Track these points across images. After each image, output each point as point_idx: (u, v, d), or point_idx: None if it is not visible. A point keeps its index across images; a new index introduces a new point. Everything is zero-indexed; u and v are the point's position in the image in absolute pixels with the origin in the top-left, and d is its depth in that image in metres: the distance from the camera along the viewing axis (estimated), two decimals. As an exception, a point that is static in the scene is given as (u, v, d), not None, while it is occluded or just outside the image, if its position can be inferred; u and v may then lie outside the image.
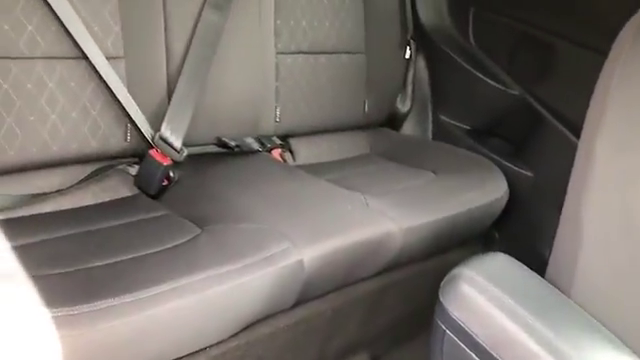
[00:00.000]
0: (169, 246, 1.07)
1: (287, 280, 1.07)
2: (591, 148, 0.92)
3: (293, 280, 1.08)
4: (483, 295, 0.91)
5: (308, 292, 1.14)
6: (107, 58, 1.25)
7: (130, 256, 1.03)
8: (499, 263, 1.00)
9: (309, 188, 1.38)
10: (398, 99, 1.89)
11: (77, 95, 1.24)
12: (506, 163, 1.69)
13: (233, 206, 1.22)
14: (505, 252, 1.68)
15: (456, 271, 0.95)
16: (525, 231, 1.65)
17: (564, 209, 0.98)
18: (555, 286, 0.97)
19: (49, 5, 1.16)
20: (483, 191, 1.54)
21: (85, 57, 1.22)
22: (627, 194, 0.88)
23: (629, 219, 0.88)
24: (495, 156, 1.71)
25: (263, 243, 1.07)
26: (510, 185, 1.60)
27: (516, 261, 1.00)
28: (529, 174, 1.66)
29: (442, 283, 0.97)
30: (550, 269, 1.01)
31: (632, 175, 0.87)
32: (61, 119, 1.22)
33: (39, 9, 1.16)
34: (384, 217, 1.29)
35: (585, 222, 0.93)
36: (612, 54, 0.92)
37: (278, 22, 1.58)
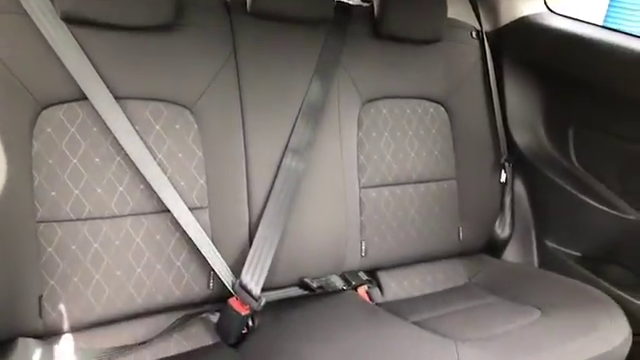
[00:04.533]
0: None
1: None
2: None
3: None
4: None
5: None
6: (191, 209, 1.30)
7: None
8: None
9: (393, 337, 1.28)
10: (497, 224, 1.77)
11: (162, 247, 1.28)
12: (627, 296, 1.49)
13: (308, 362, 1.16)
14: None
15: None
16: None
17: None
18: None
19: (137, 168, 1.24)
20: (600, 334, 1.34)
21: (169, 210, 1.28)
22: None
23: None
24: (612, 287, 1.52)
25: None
26: (633, 324, 1.39)
27: None
28: (656, 310, 1.44)
29: None
30: None
31: None
32: (146, 272, 1.26)
33: (129, 171, 1.25)
34: (477, 375, 1.16)
35: None
36: None
37: (361, 157, 1.57)
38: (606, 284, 1.53)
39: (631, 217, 1.52)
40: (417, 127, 1.65)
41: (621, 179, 1.57)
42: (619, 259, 1.58)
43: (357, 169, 1.56)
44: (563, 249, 1.69)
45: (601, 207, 1.57)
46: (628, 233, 1.53)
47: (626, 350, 1.35)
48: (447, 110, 1.71)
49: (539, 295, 1.51)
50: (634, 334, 1.38)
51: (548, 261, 1.72)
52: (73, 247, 1.19)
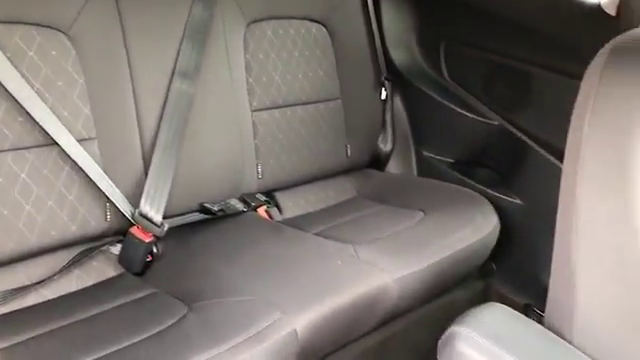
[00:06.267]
0: (156, 331, 1.04)
1: (281, 353, 1.04)
2: (573, 183, 0.90)
3: (287, 352, 1.05)
4: (481, 353, 0.88)
5: (305, 360, 1.11)
6: (79, 140, 1.23)
7: (118, 347, 1.00)
8: (495, 315, 0.97)
9: (297, 246, 1.36)
10: (380, 140, 1.89)
11: (51, 182, 1.22)
12: (494, 193, 1.68)
13: (219, 278, 1.20)
14: (504, 282, 1.68)
15: (452, 330, 0.92)
16: (521, 259, 1.63)
17: (555, 246, 0.96)
18: (554, 328, 0.95)
19: (13, 97, 1.14)
20: (474, 226, 1.52)
21: (56, 143, 1.21)
22: (615, 236, 0.86)
23: (621, 260, 0.86)
24: (483, 187, 1.70)
25: (253, 317, 1.04)
26: (501, 215, 1.59)
27: (512, 311, 0.97)
28: (519, 202, 1.65)
29: (439, 342, 0.94)
30: (548, 309, 0.99)
31: (617, 216, 0.85)
32: (36, 208, 1.19)
33: (4, 102, 1.15)
34: (376, 269, 1.27)
35: (577, 264, 0.91)
36: (584, 85, 0.90)
37: (250, 80, 1.58)
38: (477, 184, 1.71)
39: (495, 122, 1.70)
40: (302, 48, 1.68)
41: (486, 88, 1.73)
42: (487, 161, 1.77)
43: (247, 92, 1.56)
44: (439, 157, 1.85)
45: (470, 115, 1.73)
46: (493, 137, 1.72)
47: (495, 236, 1.56)
48: (328, 30, 1.75)
49: (421, 199, 1.66)
50: (502, 224, 1.58)
51: (426, 169, 1.87)
52: (-51, 187, 1.10)
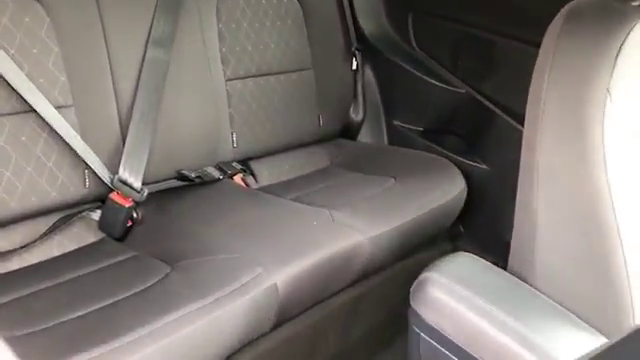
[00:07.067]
0: (140, 289, 1.08)
1: (262, 306, 1.09)
2: (533, 143, 0.97)
3: (268, 305, 1.10)
4: (452, 296, 0.94)
5: (285, 314, 1.16)
6: (56, 108, 1.25)
7: (102, 304, 1.03)
8: (463, 263, 1.04)
9: (274, 210, 1.40)
10: (351, 109, 1.93)
11: (30, 149, 1.23)
12: (461, 159, 1.75)
13: (200, 239, 1.24)
14: (471, 243, 1.76)
15: (424, 276, 0.99)
16: (487, 221, 1.71)
17: (517, 200, 1.03)
18: (517, 275, 1.02)
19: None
20: (442, 190, 1.59)
21: (33, 110, 1.22)
22: (572, 184, 0.93)
23: (576, 207, 0.94)
24: (450, 154, 1.77)
25: (234, 273, 1.09)
26: (468, 179, 1.66)
27: (479, 258, 1.04)
28: (484, 167, 1.72)
29: (412, 289, 1.01)
30: (511, 259, 1.06)
31: (574, 165, 0.93)
32: (16, 175, 1.21)
33: (-21, 69, 1.16)
34: (350, 229, 1.32)
35: (537, 212, 0.98)
36: (543, 48, 0.97)
37: (224, 50, 1.60)
38: (445, 151, 1.78)
39: (462, 90, 1.76)
40: (274, 19, 1.71)
41: (452, 57, 1.79)
42: (454, 129, 1.84)
43: (221, 61, 1.59)
44: (408, 126, 1.90)
45: (438, 84, 1.79)
46: (460, 105, 1.78)
47: (462, 199, 1.63)
48: (300, 1, 1.77)
49: (392, 167, 1.72)
50: (469, 188, 1.65)
51: (396, 138, 1.93)
52: None
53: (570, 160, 0.94)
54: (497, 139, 1.70)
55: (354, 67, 1.89)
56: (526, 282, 1.00)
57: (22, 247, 1.21)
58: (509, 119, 1.63)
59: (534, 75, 0.98)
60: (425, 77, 1.81)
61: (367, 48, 1.91)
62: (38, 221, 1.26)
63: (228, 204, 1.43)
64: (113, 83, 1.36)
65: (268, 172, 1.72)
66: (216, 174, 1.55)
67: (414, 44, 1.86)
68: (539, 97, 0.96)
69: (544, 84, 0.95)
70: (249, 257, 1.14)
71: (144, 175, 1.35)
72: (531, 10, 1.52)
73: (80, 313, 1.00)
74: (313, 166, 1.83)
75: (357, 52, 1.89)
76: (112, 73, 1.36)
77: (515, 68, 1.58)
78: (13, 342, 0.86)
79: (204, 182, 1.51)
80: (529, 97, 0.99)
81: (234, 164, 1.64)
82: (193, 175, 1.48)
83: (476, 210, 1.70)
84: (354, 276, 1.33)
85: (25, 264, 1.20)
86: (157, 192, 1.40)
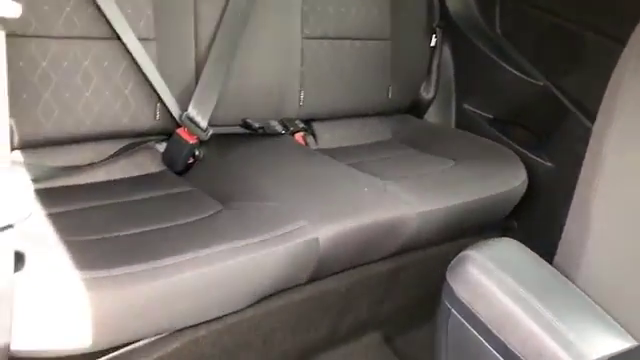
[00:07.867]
0: (192, 220, 1.13)
1: (302, 256, 1.12)
2: (602, 140, 0.94)
3: (308, 257, 1.13)
4: (489, 277, 0.94)
5: (322, 269, 1.19)
6: (139, 39, 1.31)
7: (155, 227, 1.09)
8: (508, 248, 1.02)
9: (328, 171, 1.42)
10: (422, 86, 1.91)
11: (110, 74, 1.30)
12: (527, 153, 1.70)
13: (254, 185, 1.28)
14: (522, 241, 1.72)
15: (464, 253, 0.99)
16: (543, 221, 1.66)
17: (574, 198, 1.00)
18: (562, 272, 0.99)
19: (85, -12, 1.22)
20: (501, 180, 1.56)
21: (118, 38, 1.28)
22: (634, 188, 0.90)
23: (635, 213, 0.90)
24: (516, 146, 1.72)
25: (281, 221, 1.12)
26: (530, 175, 1.61)
27: (525, 247, 1.03)
28: (549, 164, 1.67)
29: (450, 264, 1.01)
30: (558, 255, 1.04)
31: (637, 171, 0.89)
32: (95, 96, 1.28)
33: (76, -8, 1.23)
34: (400, 201, 1.33)
35: (593, 213, 0.95)
36: (628, 47, 0.93)
37: (305, 8, 1.61)
38: (511, 142, 1.74)
39: (540, 83, 1.70)
40: None
41: (537, 48, 1.73)
42: (525, 121, 1.79)
43: (301, 18, 1.61)
44: (479, 112, 1.86)
45: (516, 73, 1.73)
46: (535, 97, 1.72)
47: (520, 193, 1.59)
48: (388, -31, 1.76)
49: (454, 149, 1.69)
50: (530, 184, 1.61)
51: (464, 122, 1.89)
52: (20, 64, 1.18)
53: (637, 165, 0.90)
54: (568, 138, 1.64)
55: (432, 44, 1.87)
56: (568, 278, 0.98)
57: (90, 164, 1.28)
58: (584, 119, 1.56)
59: (613, 76, 0.94)
60: (504, 64, 1.76)
61: (449, 26, 1.87)
62: (108, 143, 1.33)
63: (285, 158, 1.46)
64: (195, 24, 1.41)
65: (329, 135, 1.74)
66: (279, 128, 1.58)
67: (498, 29, 1.81)
68: (614, 99, 0.92)
69: (621, 86, 0.92)
70: (297, 209, 1.17)
71: (211, 117, 1.41)
72: (626, 7, 1.45)
73: (134, 231, 1.06)
74: (375, 137, 1.83)
75: (438, 29, 1.86)
76: (195, 14, 1.40)
77: (598, 66, 1.51)
78: (69, 245, 0.94)
79: (266, 134, 1.54)
80: (604, 97, 0.96)
81: (297, 122, 1.66)
82: (257, 125, 1.52)
83: (534, 207, 1.65)
84: (396, 248, 1.33)
85: (91, 181, 1.28)
86: (220, 135, 1.45)
